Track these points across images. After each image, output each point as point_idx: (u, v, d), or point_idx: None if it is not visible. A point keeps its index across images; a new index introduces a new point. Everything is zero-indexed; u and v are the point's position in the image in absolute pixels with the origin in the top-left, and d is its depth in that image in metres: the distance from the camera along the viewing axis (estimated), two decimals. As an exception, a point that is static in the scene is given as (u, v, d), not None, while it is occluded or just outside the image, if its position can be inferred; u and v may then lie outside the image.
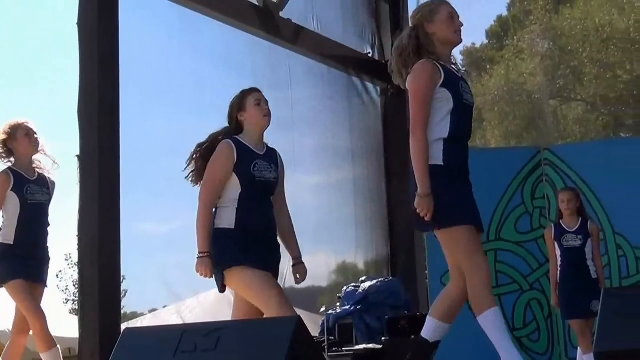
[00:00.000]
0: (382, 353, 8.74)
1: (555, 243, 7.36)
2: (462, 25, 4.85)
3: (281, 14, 10.57)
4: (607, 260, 8.22)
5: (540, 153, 8.76)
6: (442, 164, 4.67)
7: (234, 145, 5.02)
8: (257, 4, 10.28)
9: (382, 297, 9.91)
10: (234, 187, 5.02)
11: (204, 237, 4.95)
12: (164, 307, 11.93)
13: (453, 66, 4.89)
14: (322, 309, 9.43)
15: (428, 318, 4.88)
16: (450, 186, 4.69)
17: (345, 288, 10.20)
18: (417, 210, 4.58)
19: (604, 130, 23.56)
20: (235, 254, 4.91)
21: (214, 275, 4.96)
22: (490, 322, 4.65)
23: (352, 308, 9.72)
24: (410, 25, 4.97)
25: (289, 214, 5.42)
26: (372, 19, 12.28)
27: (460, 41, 4.92)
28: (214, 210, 5.06)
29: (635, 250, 8.31)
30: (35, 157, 6.57)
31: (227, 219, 4.99)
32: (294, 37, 10.74)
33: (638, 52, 22.67)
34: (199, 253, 4.94)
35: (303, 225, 10.90)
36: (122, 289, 8.28)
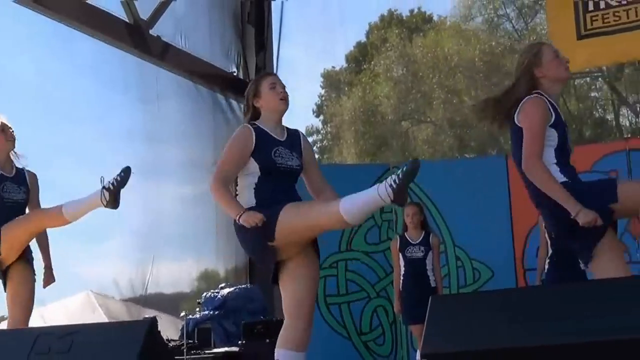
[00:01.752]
0: (239, 356, 8.73)
1: (400, 254, 7.48)
2: (568, 60, 4.55)
3: (151, 31, 10.49)
4: (447, 271, 8.42)
5: (389, 170, 8.92)
6: (568, 180, 4.27)
7: (252, 130, 4.52)
8: (128, 21, 10.18)
9: (240, 303, 9.92)
10: (253, 174, 4.50)
11: (234, 205, 4.36)
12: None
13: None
14: (183, 314, 9.36)
15: None
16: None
17: (205, 294, 10.18)
18: (587, 223, 4.03)
19: (450, 150, 24.14)
20: (268, 216, 4.26)
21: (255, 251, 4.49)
22: None
23: (211, 313, 9.72)
24: (517, 75, 4.55)
25: (333, 189, 4.79)
26: (238, 40, 12.29)
27: (570, 76, 4.69)
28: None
29: (473, 262, 8.54)
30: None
31: (247, 200, 4.45)
32: (162, 53, 10.67)
33: (482, 79, 23.33)
34: (238, 214, 4.27)
35: (168, 234, 10.92)
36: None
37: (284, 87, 4.68)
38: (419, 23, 27.75)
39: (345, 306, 8.47)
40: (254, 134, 4.50)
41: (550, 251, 7.10)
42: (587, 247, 4.19)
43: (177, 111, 11.37)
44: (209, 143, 11.64)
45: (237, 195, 4.54)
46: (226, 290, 10.08)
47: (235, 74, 12.13)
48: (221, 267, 11.78)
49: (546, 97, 4.41)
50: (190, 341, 9.05)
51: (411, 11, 28.59)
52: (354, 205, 4.16)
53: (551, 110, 4.36)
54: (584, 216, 4.04)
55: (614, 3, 8.80)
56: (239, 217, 4.27)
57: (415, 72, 24.34)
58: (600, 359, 2.56)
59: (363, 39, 29.03)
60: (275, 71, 12.11)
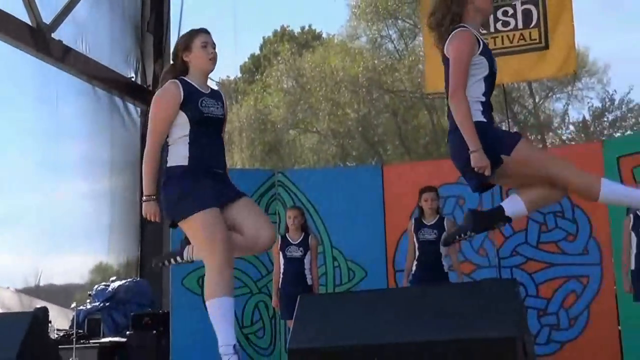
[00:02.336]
0: (125, 345, 8.61)
1: (281, 253, 7.49)
2: None
3: (53, 34, 10.26)
4: (324, 270, 8.48)
5: (274, 175, 8.93)
6: (485, 120, 4.21)
7: (180, 84, 4.40)
8: (30, 24, 9.94)
9: (129, 295, 9.79)
10: (183, 125, 4.37)
11: (149, 179, 4.29)
12: None
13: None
14: (73, 305, 9.16)
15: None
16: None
17: (96, 286, 10.02)
18: (477, 166, 4.06)
19: (333, 158, 24.35)
20: (187, 203, 4.22)
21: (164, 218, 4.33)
22: None
23: (101, 305, 9.56)
24: None
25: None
26: (138, 47, 12.13)
27: (492, 11, 4.52)
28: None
29: (348, 263, 8.61)
30: None
31: (180, 155, 4.34)
32: (63, 57, 10.44)
33: (364, 94, 23.65)
34: (145, 196, 4.27)
35: (64, 228, 10.70)
36: None
37: (214, 46, 4.57)
38: (309, 39, 28.00)
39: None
40: (180, 87, 4.40)
41: (417, 254, 7.24)
42: (477, 181, 4.20)
43: (75, 112, 11.16)
44: (106, 143, 11.48)
45: (168, 146, 4.43)
46: (117, 283, 9.94)
47: (133, 79, 11.96)
48: (114, 261, 11.61)
49: (471, 29, 4.30)
50: (80, 331, 8.87)
51: (302, 28, 28.86)
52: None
53: (479, 39, 4.28)
54: (477, 159, 4.04)
55: (482, 31, 8.99)
56: (145, 200, 4.29)
57: (304, 85, 24.50)
58: (456, 355, 2.61)
59: (257, 51, 29.12)
60: (171, 78, 11.97)
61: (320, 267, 8.03)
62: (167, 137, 4.42)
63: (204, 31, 4.59)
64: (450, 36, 4.26)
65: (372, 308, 2.68)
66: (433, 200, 7.25)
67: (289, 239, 7.51)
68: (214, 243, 4.16)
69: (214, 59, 4.55)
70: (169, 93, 4.40)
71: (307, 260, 7.44)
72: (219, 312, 4.13)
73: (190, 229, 4.28)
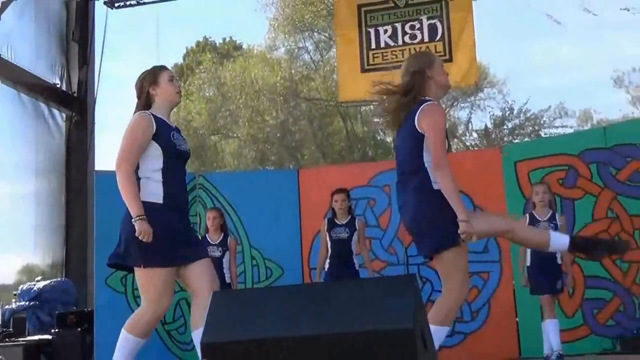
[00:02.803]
0: (50, 343, 8.43)
1: (201, 253, 7.43)
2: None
3: (-22, 42, 10.04)
4: (243, 269, 8.47)
5: (196, 178, 8.88)
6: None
7: (151, 116, 4.36)
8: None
9: (54, 294, 9.60)
10: (156, 157, 4.30)
11: (135, 201, 4.15)
12: None
13: None
14: (-1, 304, 8.95)
15: None
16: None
17: (22, 286, 9.80)
18: (465, 236, 3.97)
19: (252, 163, 24.33)
20: (152, 253, 4.17)
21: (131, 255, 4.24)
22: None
23: (27, 304, 9.35)
24: (408, 70, 4.35)
25: None
26: (63, 55, 11.92)
27: (450, 85, 4.48)
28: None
29: (266, 261, 8.62)
30: None
31: (154, 193, 4.25)
32: (-12, 63, 10.21)
33: (282, 102, 23.70)
34: (137, 217, 4.11)
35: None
36: None
37: (178, 81, 4.60)
38: (230, 50, 27.91)
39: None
40: (153, 119, 4.36)
41: (330, 251, 7.29)
42: (435, 248, 4.11)
43: (1, 117, 10.90)
44: (31, 148, 11.25)
45: (139, 179, 4.31)
46: (42, 283, 9.74)
47: (58, 85, 11.74)
48: (40, 262, 11.38)
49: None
50: (5, 329, 8.66)
51: (224, 39, 28.74)
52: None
53: None
54: (467, 225, 3.98)
55: (392, 43, 9.15)
56: (136, 220, 4.14)
57: (225, 93, 24.42)
58: (360, 347, 2.64)
59: (180, 60, 28.90)
60: (96, 86, 11.83)
61: (239, 265, 8.02)
62: (138, 169, 4.32)
63: (167, 67, 4.63)
64: (421, 109, 4.20)
65: (281, 303, 2.70)
66: (343, 201, 7.31)
67: (209, 239, 7.47)
68: (158, 302, 4.31)
69: (180, 92, 4.59)
70: (144, 122, 4.35)
71: (226, 260, 7.41)
72: (129, 347, 4.32)
73: (143, 276, 4.29)
